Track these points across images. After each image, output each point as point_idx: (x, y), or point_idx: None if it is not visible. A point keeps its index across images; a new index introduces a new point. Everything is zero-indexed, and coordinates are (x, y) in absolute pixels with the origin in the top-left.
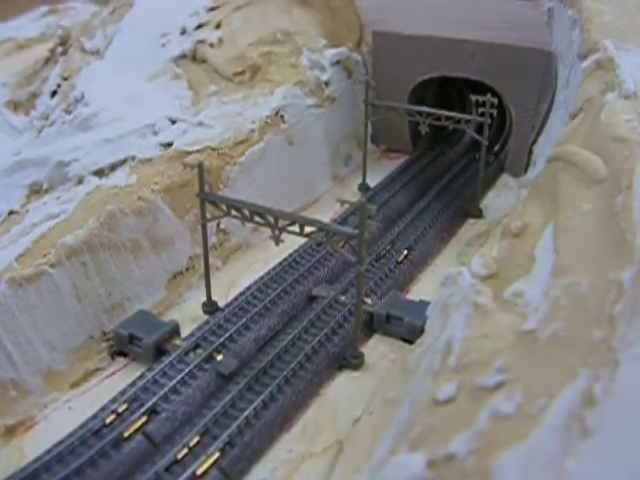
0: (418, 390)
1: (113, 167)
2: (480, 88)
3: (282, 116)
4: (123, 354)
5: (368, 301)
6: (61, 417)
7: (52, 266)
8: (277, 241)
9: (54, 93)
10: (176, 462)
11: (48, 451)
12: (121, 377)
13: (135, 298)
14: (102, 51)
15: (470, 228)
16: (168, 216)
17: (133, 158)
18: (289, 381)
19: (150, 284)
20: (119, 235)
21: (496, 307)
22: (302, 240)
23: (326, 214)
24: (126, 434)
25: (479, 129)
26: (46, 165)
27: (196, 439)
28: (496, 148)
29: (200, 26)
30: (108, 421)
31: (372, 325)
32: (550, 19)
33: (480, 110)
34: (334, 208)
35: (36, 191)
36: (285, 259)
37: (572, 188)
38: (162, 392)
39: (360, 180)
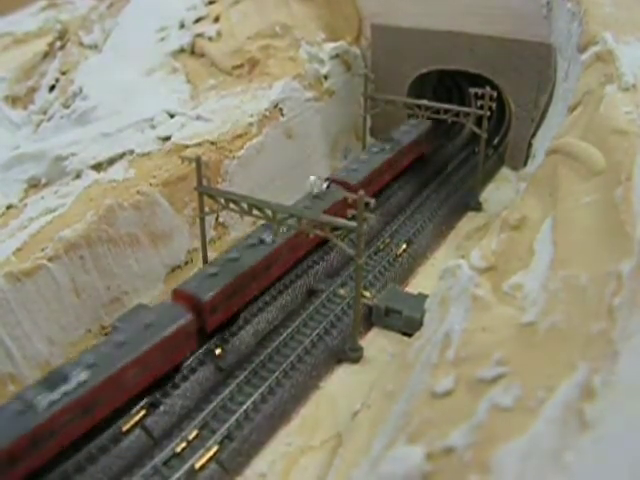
0: (416, 383)
1: (111, 161)
2: (479, 81)
3: (281, 109)
4: None
5: (367, 294)
6: None
7: (50, 260)
8: (276, 234)
9: (52, 87)
10: (175, 456)
11: None
12: None
13: (133, 292)
14: (100, 45)
15: (469, 221)
16: (166, 210)
17: (131, 152)
18: (288, 374)
19: (149, 278)
20: (117, 229)
21: (495, 300)
22: None
23: None
24: (125, 428)
25: (478, 122)
26: (44, 159)
27: (195, 433)
28: (495, 141)
29: (199, 20)
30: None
31: (371, 318)
32: (549, 12)
33: (479, 103)
34: None
35: (34, 185)
36: None
37: (571, 181)
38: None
39: None
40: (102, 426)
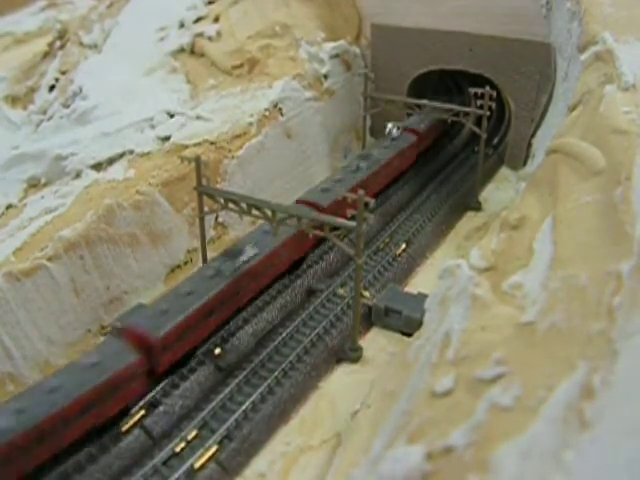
0: (416, 383)
1: (111, 161)
2: (479, 81)
3: (280, 109)
4: None
5: (366, 294)
6: None
7: (50, 260)
8: (275, 234)
9: (52, 87)
10: (174, 455)
11: None
12: None
13: (133, 292)
14: (100, 45)
15: (469, 221)
16: (166, 210)
17: (131, 152)
18: (287, 374)
19: (148, 278)
20: (117, 229)
21: (494, 299)
22: None
23: None
24: (124, 428)
25: (478, 122)
26: (44, 159)
27: (194, 432)
28: (495, 141)
29: (198, 19)
30: None
31: (371, 318)
32: (549, 11)
33: (479, 103)
34: None
35: (34, 185)
36: None
37: (571, 180)
38: (160, 386)
39: None
40: (100, 427)
